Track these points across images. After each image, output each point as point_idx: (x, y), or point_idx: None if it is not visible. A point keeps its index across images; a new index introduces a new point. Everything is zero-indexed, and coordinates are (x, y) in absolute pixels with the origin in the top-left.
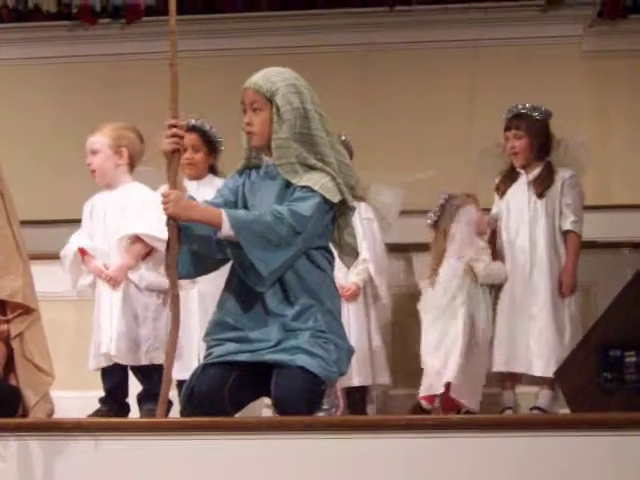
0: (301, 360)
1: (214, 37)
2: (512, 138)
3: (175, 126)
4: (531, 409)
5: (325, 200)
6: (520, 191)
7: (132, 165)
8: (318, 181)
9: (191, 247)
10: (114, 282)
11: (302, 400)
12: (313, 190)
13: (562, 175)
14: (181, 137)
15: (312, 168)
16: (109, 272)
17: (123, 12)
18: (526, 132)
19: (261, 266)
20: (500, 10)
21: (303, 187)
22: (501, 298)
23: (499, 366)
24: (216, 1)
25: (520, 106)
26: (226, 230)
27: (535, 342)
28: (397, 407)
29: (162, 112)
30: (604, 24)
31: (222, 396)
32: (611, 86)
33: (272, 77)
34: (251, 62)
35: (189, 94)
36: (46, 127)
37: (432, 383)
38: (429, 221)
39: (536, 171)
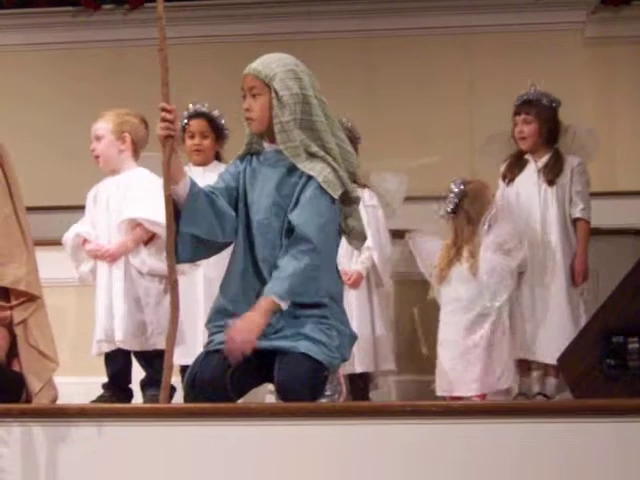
0: (304, 346)
1: (210, 24)
2: (521, 123)
3: (166, 111)
4: (535, 396)
5: (330, 196)
6: (529, 178)
7: (137, 151)
8: (320, 172)
9: (194, 232)
10: (111, 258)
11: (305, 386)
12: (320, 186)
13: (570, 162)
14: (172, 122)
15: (314, 156)
16: (107, 247)
17: None
18: (536, 117)
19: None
20: None
21: (309, 178)
22: (521, 287)
23: (517, 353)
24: None
25: (531, 92)
26: (285, 305)
27: (550, 330)
28: (402, 393)
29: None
30: (607, 10)
31: (224, 383)
32: (615, 73)
33: (271, 63)
34: (250, 49)
35: (185, 82)
36: (49, 113)
37: (453, 384)
38: (448, 208)
39: (545, 158)
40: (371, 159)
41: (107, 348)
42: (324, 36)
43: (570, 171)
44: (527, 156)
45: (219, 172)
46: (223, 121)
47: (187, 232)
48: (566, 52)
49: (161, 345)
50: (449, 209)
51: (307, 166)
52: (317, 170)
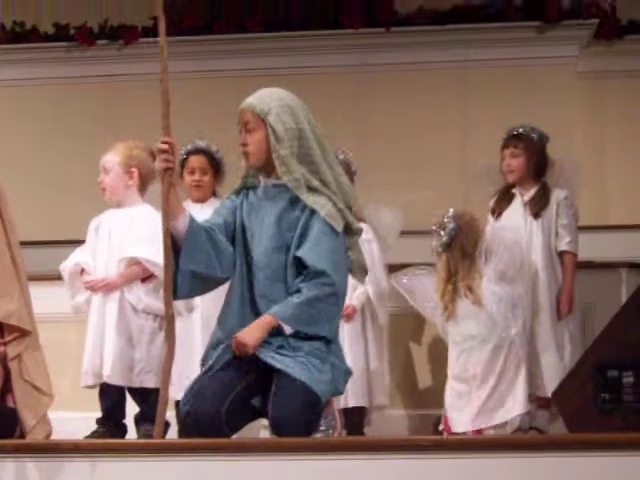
0: (298, 373)
1: (205, 59)
2: (509, 156)
3: (166, 143)
4: (528, 430)
5: (336, 231)
6: (516, 211)
7: (144, 184)
8: (323, 207)
9: (193, 268)
10: (106, 288)
11: (300, 421)
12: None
13: (557, 195)
14: (171, 155)
15: (315, 190)
16: (103, 278)
17: (121, 33)
18: (524, 151)
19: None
20: (497, 31)
21: (311, 212)
22: None
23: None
24: (208, 22)
25: (520, 126)
26: (288, 330)
27: (536, 362)
28: (394, 428)
29: (159, 132)
30: (600, 45)
31: (219, 418)
32: (607, 106)
33: (266, 97)
34: (241, 84)
35: (180, 115)
36: (43, 148)
37: (481, 418)
38: (443, 241)
39: (532, 192)
40: (364, 192)
41: (92, 381)
42: (317, 70)
43: (556, 204)
44: (514, 190)
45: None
46: (222, 157)
47: (186, 268)
48: (559, 86)
49: (149, 383)
50: (445, 244)
51: (309, 199)
52: (320, 204)
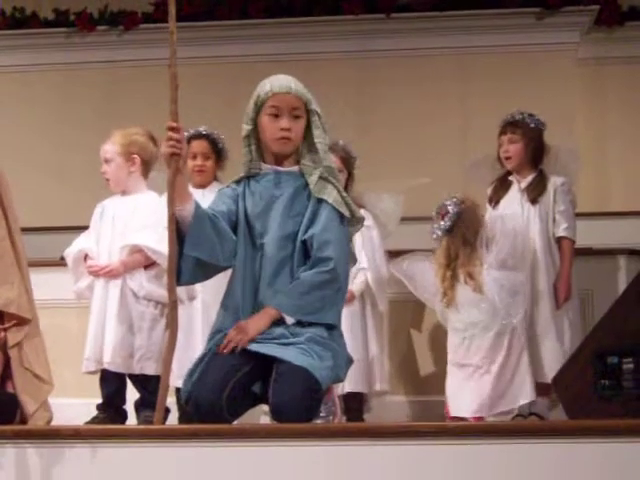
0: (300, 359)
1: (206, 45)
2: (507, 142)
3: (173, 129)
4: (528, 415)
5: (340, 215)
6: (513, 198)
7: (147, 169)
8: (330, 194)
9: (197, 255)
10: (109, 274)
11: (300, 408)
12: (334, 208)
13: (554, 182)
14: (178, 140)
15: (324, 179)
16: (106, 265)
17: (121, 19)
18: (522, 137)
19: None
20: (497, 17)
21: (319, 199)
22: None
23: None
24: (210, 8)
25: (517, 113)
26: (290, 320)
27: (536, 348)
28: (395, 414)
29: (160, 118)
30: (600, 31)
31: (220, 404)
32: (607, 93)
33: (299, 85)
34: (246, 70)
35: (182, 101)
36: (43, 134)
37: (483, 406)
38: (443, 227)
39: (529, 178)
40: (363, 180)
41: (94, 367)
42: (317, 57)
43: (553, 190)
44: (511, 177)
45: None
46: (223, 142)
47: (190, 255)
48: (559, 73)
49: (149, 370)
50: (446, 229)
51: (318, 187)
52: (327, 192)
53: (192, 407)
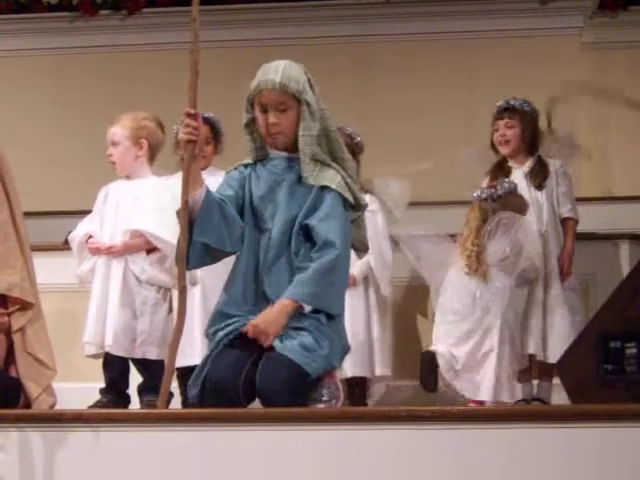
0: (287, 348)
1: (210, 29)
2: (504, 127)
3: (191, 115)
4: (532, 400)
5: (344, 200)
6: (518, 184)
7: (153, 155)
8: (333, 180)
9: (205, 240)
10: (111, 253)
11: (285, 391)
12: (337, 195)
13: (553, 164)
14: (195, 127)
15: (325, 164)
16: (110, 245)
17: (124, 3)
18: (519, 122)
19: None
20: (500, 2)
21: (323, 188)
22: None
23: (522, 363)
24: None
25: (512, 99)
26: (308, 308)
27: (543, 327)
28: (397, 399)
29: (162, 103)
30: (604, 16)
31: (236, 386)
32: (611, 78)
33: (292, 74)
34: (243, 55)
35: (178, 86)
36: (45, 119)
37: (463, 387)
38: (489, 193)
39: (528, 163)
40: (369, 166)
41: (95, 350)
42: (321, 41)
43: (554, 173)
44: (510, 163)
45: (216, 176)
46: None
47: (199, 240)
48: (563, 57)
49: (151, 354)
50: (492, 196)
51: (319, 177)
52: (329, 179)
53: (208, 388)
